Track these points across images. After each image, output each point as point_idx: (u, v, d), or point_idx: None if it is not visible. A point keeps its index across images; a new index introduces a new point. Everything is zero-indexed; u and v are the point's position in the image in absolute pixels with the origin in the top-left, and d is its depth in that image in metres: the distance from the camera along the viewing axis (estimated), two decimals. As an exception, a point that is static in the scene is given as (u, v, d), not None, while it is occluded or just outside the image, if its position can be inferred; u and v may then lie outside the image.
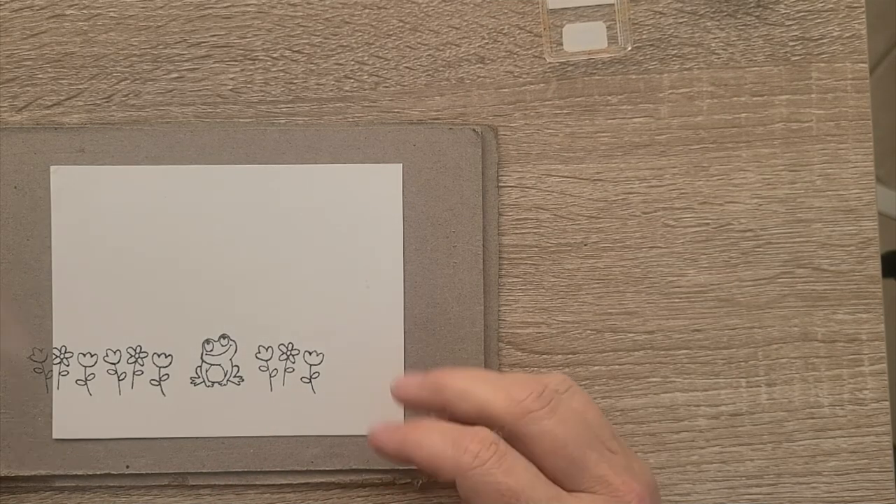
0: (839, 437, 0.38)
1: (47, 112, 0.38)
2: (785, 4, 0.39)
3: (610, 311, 0.39)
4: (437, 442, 0.30)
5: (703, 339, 0.39)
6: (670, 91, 0.39)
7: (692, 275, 0.39)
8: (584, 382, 0.38)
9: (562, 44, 0.38)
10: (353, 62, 0.38)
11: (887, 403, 0.39)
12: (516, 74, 0.39)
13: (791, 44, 0.39)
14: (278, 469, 0.37)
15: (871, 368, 0.38)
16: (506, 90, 0.39)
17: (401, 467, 0.37)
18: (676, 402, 0.38)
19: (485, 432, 0.30)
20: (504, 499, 0.29)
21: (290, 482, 0.38)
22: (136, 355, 0.37)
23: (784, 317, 0.39)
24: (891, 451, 0.38)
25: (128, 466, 0.37)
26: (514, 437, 0.30)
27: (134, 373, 0.37)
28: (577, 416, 0.31)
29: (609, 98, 0.39)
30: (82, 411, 0.37)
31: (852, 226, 0.39)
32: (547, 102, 0.39)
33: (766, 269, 0.39)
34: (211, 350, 0.37)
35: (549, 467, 0.30)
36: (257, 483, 0.38)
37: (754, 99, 0.39)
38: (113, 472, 0.37)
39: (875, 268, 0.39)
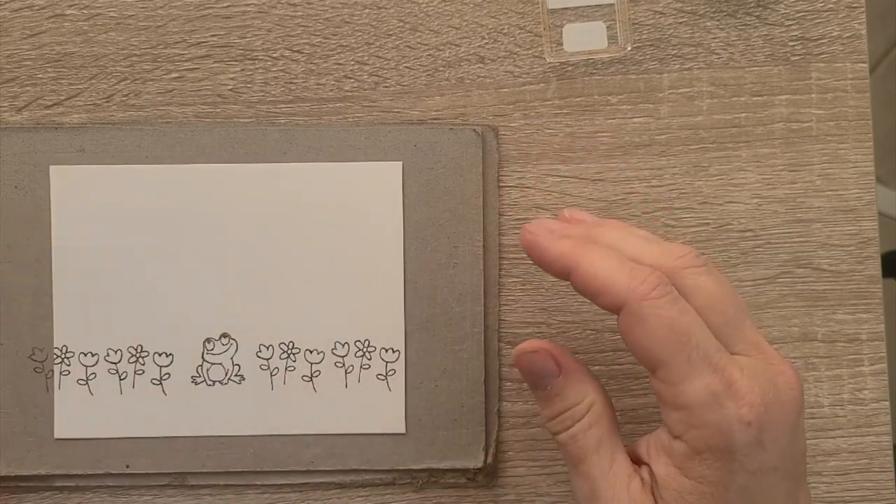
0: (839, 437, 0.38)
1: (47, 112, 0.38)
2: (785, 4, 0.39)
3: (610, 310, 0.38)
4: (613, 264, 0.28)
5: (703, 339, 0.38)
6: (670, 91, 0.39)
7: (692, 275, 0.38)
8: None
9: (562, 44, 0.38)
10: (353, 62, 0.38)
11: (887, 403, 0.39)
12: (516, 74, 0.39)
13: (791, 44, 0.39)
14: (278, 469, 0.37)
15: (871, 368, 0.38)
16: (506, 90, 0.39)
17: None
18: (676, 402, 0.38)
19: (661, 275, 0.28)
20: (675, 336, 0.27)
21: (289, 482, 0.38)
22: (137, 355, 0.37)
23: (784, 317, 0.39)
24: (891, 451, 0.38)
25: (128, 466, 0.37)
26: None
27: (135, 372, 0.37)
28: (727, 283, 0.29)
29: (609, 98, 0.39)
30: (83, 411, 0.37)
31: (852, 226, 0.39)
32: (547, 102, 0.39)
33: (766, 269, 0.39)
34: (212, 349, 0.37)
35: (707, 323, 0.28)
36: (257, 483, 0.38)
37: (754, 99, 0.39)
38: (113, 472, 0.37)
39: (875, 268, 0.39)
